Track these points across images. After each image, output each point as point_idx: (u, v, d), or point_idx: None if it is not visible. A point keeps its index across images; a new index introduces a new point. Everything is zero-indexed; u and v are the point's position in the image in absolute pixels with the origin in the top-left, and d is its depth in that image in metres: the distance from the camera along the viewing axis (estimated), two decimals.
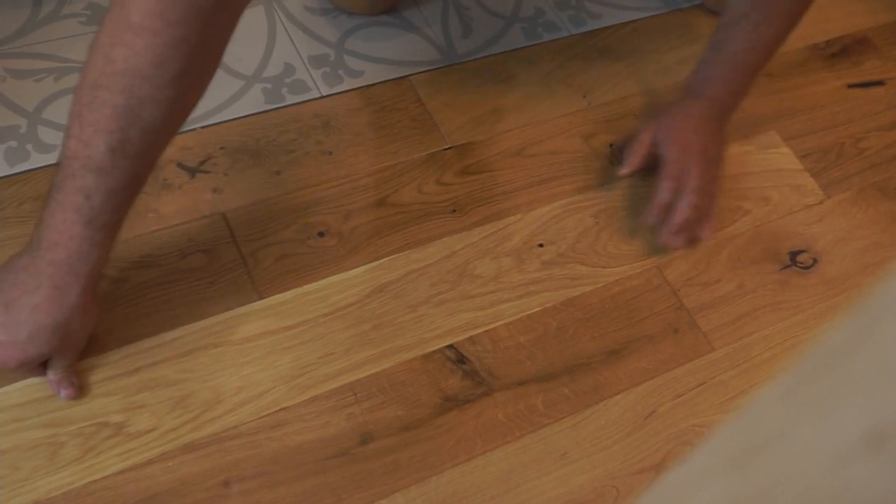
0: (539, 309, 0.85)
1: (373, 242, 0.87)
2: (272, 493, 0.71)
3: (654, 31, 1.11)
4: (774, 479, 0.24)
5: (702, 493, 0.27)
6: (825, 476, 0.22)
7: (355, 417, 0.76)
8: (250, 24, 1.01)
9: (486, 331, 0.83)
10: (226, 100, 0.93)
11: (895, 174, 1.04)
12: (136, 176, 0.65)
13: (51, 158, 0.86)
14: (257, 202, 0.87)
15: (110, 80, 0.60)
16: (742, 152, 1.02)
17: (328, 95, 0.97)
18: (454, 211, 0.90)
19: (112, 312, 0.77)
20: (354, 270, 0.84)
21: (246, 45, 0.99)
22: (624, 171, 0.91)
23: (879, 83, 1.13)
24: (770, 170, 1.01)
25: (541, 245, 0.89)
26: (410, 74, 1.01)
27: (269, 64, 0.98)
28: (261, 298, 0.81)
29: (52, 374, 0.72)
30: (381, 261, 0.85)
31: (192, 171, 0.88)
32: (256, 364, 0.77)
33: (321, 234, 0.86)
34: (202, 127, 0.91)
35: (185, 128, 0.89)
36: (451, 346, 0.81)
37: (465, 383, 0.79)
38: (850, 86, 1.12)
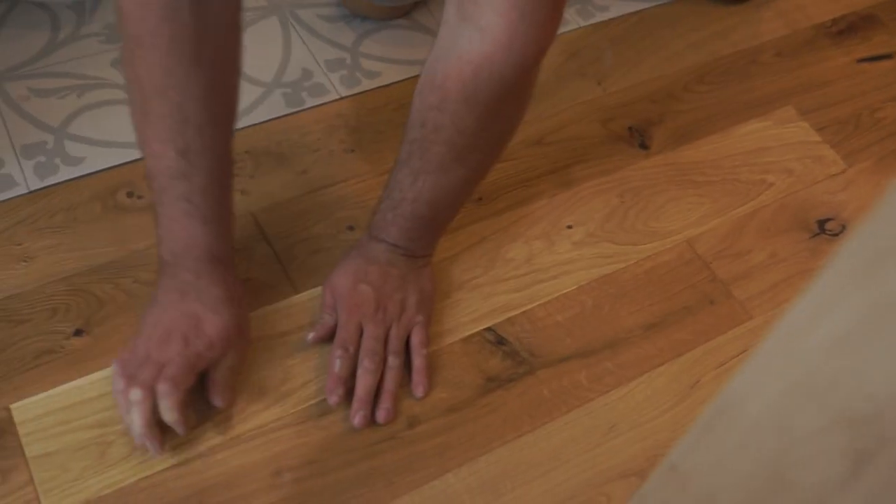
0: (574, 288, 0.85)
1: None
2: (324, 479, 0.70)
3: (661, 20, 1.13)
4: None
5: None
6: None
7: (400, 401, 0.75)
8: (266, 33, 1.03)
9: (523, 312, 0.82)
10: (247, 106, 0.94)
11: None
12: (218, 169, 0.70)
13: (78, 171, 0.86)
14: (285, 201, 0.88)
15: (149, 94, 0.67)
16: (760, 128, 1.02)
17: (347, 97, 0.98)
18: (480, 199, 0.90)
19: None
20: None
21: (263, 53, 1.00)
22: (310, 338, 0.77)
23: (888, 56, 1.14)
24: (790, 143, 1.01)
25: (570, 227, 0.89)
26: None
27: (287, 70, 0.99)
28: (297, 292, 0.81)
29: (218, 376, 0.71)
30: None
31: None
32: (298, 356, 0.77)
33: (351, 228, 0.86)
34: None
35: None
36: (489, 329, 0.81)
37: (506, 363, 0.79)
38: (860, 60, 1.13)
